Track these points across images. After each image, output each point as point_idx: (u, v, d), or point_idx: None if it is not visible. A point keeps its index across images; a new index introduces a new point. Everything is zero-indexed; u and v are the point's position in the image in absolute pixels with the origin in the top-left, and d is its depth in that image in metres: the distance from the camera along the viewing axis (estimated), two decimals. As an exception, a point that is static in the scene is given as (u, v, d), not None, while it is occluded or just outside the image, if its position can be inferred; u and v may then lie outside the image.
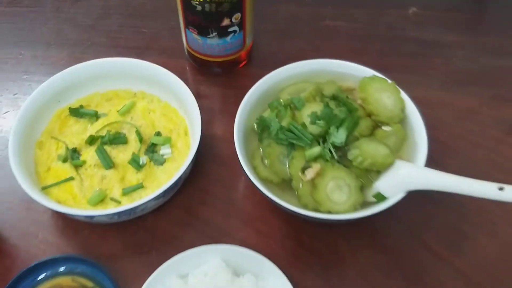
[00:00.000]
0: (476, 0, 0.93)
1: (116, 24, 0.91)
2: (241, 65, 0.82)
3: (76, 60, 0.75)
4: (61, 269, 0.62)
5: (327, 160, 0.62)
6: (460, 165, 0.60)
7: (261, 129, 0.66)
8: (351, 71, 0.71)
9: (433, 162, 0.60)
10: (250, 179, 0.60)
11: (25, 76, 0.83)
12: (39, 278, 0.62)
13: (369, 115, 0.67)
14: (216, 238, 0.64)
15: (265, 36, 0.87)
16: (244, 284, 0.57)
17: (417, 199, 0.66)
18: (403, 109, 0.66)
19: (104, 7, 0.93)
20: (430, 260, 0.64)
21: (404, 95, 0.67)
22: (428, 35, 0.88)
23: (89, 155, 0.67)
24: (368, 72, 0.69)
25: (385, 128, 0.66)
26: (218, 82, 0.81)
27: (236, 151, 0.63)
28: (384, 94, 0.66)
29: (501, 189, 0.54)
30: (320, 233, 0.66)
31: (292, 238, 0.66)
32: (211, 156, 0.73)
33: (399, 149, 0.65)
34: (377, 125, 0.67)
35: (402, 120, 0.66)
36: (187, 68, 0.83)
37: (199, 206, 0.69)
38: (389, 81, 0.67)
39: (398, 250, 0.65)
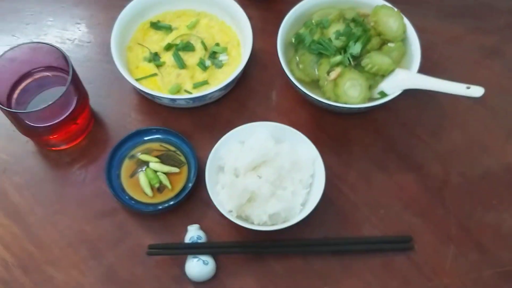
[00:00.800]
0: None
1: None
2: (280, -6, 0.96)
3: (150, -15, 0.89)
4: (152, 137, 0.81)
5: (346, 66, 0.79)
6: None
7: (297, 42, 0.83)
8: (367, 1, 0.84)
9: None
10: (288, 77, 0.79)
11: (111, -3, 0.97)
12: (136, 142, 0.80)
13: (378, 34, 0.81)
14: (260, 123, 0.81)
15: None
16: (283, 148, 0.74)
17: (410, 102, 0.84)
18: (404, 31, 0.82)
19: None
20: (415, 143, 0.83)
21: (406, 21, 0.82)
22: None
23: (167, 58, 0.85)
24: (380, 2, 0.83)
25: (390, 44, 0.81)
26: (261, 7, 0.95)
27: (275, 59, 0.80)
28: (391, 19, 0.81)
29: (468, 87, 0.73)
30: (337, 122, 0.85)
31: (316, 125, 0.85)
32: (256, 63, 0.89)
33: (400, 60, 0.81)
34: (384, 42, 0.81)
35: (403, 39, 0.82)
36: (236, -6, 0.97)
37: (247, 100, 0.87)
38: (395, 9, 0.83)
39: (393, 136, 0.84)
